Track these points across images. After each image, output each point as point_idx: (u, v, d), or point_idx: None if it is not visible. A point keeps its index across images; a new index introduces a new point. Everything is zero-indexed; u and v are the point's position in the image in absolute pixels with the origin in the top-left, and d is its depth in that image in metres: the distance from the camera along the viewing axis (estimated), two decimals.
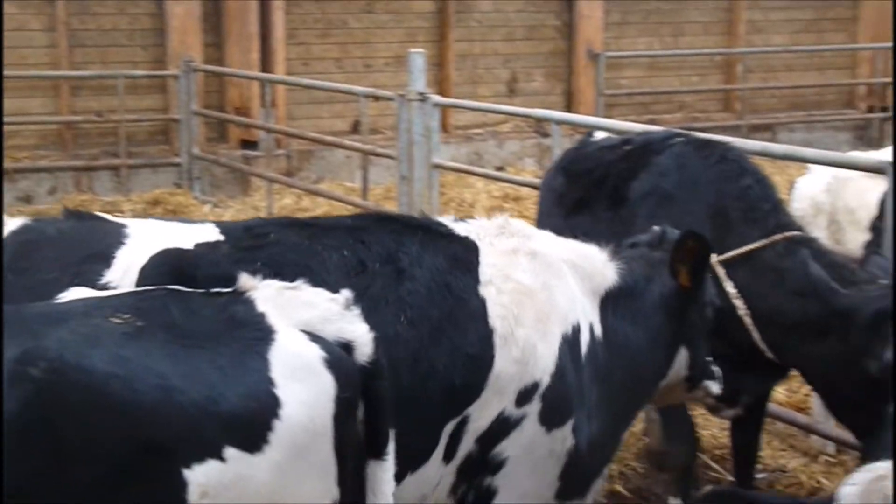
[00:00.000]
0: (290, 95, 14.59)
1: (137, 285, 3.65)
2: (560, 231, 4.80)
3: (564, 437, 4.16)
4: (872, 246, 6.49)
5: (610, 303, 4.40)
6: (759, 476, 6.32)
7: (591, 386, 4.24)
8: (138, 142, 14.12)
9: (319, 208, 12.88)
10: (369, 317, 3.50)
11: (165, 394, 2.87)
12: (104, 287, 3.69)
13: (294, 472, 2.99)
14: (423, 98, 9.70)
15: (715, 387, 4.74)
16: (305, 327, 3.17)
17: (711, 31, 17.18)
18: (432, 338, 3.93)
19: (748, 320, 5.25)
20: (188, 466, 2.86)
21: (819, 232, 6.89)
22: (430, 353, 3.91)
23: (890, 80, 17.61)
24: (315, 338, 3.15)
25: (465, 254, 4.16)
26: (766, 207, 5.45)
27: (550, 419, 4.11)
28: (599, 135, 6.81)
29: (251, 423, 2.95)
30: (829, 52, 17.75)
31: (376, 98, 11.22)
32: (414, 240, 4.11)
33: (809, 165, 7.68)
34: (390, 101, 10.48)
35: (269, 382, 3.01)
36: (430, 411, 3.92)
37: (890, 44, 17.49)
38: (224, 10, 14.29)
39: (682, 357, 4.59)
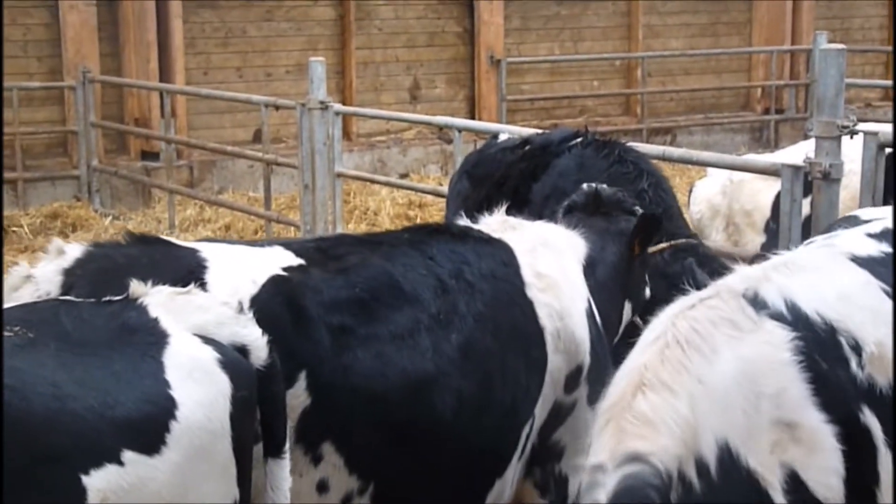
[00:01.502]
0: (190, 105, 14.44)
1: (254, 314, 3.61)
2: None
3: None
4: (768, 248, 6.63)
5: (588, 271, 4.68)
6: None
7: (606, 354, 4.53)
8: (35, 155, 13.87)
9: (222, 219, 12.77)
10: (465, 335, 3.94)
11: (59, 402, 2.83)
12: None
13: (194, 472, 2.97)
14: (324, 107, 9.69)
15: None
16: (199, 331, 3.15)
17: (610, 36, 17.37)
18: (507, 347, 4.16)
19: (639, 322, 5.35)
20: (86, 472, 2.82)
21: (717, 234, 7.03)
22: (509, 362, 4.14)
23: (784, 82, 18.00)
24: (209, 340, 3.13)
25: (508, 257, 4.38)
26: (656, 213, 5.56)
27: (596, 399, 4.26)
28: (503, 136, 6.87)
29: (148, 426, 2.94)
30: (725, 55, 18.06)
31: (277, 107, 11.16)
32: (468, 249, 4.30)
33: (708, 168, 7.82)
34: (292, 110, 10.44)
35: (165, 385, 2.99)
36: (515, 418, 4.14)
37: (783, 46, 17.89)
38: (121, 18, 14.09)
39: (627, 310, 4.96)
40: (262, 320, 3.55)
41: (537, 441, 4.28)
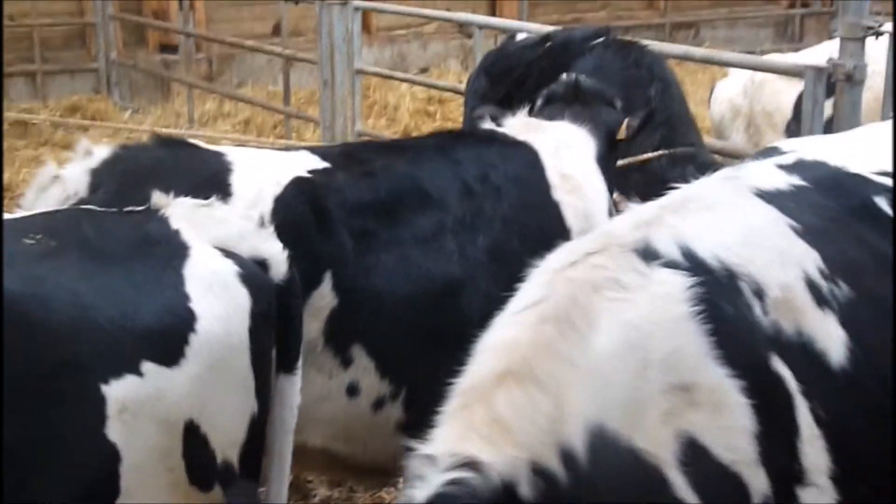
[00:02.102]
0: None
1: (275, 213, 3.69)
2: None
3: None
4: None
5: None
6: None
7: None
8: (54, 47, 13.80)
9: (241, 113, 12.73)
10: (492, 237, 3.93)
11: (80, 311, 2.86)
12: None
13: (212, 385, 3.01)
14: (343, 2, 9.57)
15: None
16: (220, 244, 3.17)
17: None
18: (535, 248, 4.10)
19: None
20: (106, 382, 2.86)
21: (738, 135, 6.99)
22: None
23: None
24: (229, 254, 3.15)
25: (533, 160, 4.38)
26: (659, 119, 5.58)
27: None
28: (521, 36, 6.83)
29: (168, 338, 2.96)
30: None
31: (297, 1, 11.04)
32: (492, 152, 4.31)
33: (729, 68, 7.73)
34: (311, 4, 10.33)
35: (185, 297, 3.01)
36: None
37: None
38: None
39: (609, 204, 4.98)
40: (285, 220, 3.59)
41: None
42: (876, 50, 6.04)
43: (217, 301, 3.03)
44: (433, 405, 4.02)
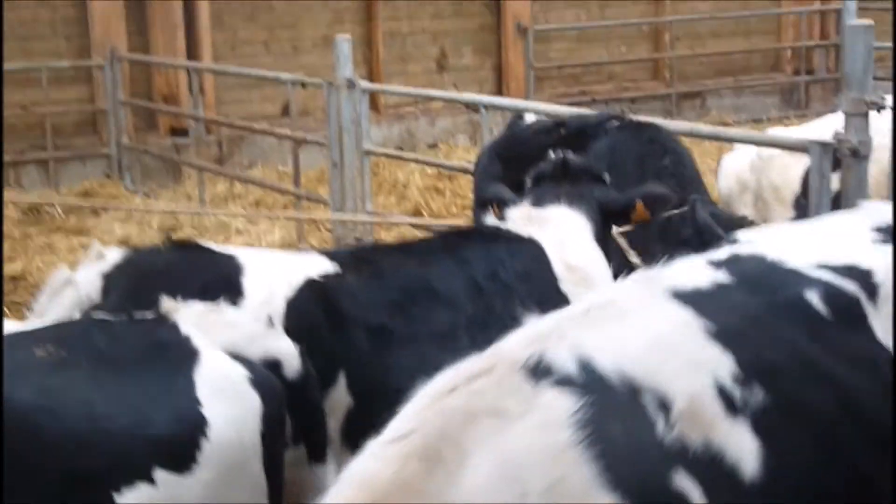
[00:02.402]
0: (218, 80, 14.46)
1: (287, 316, 3.74)
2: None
3: None
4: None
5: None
6: None
7: None
8: (66, 134, 13.94)
9: (252, 195, 12.82)
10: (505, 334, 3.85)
11: (92, 422, 2.88)
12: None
13: (225, 490, 3.02)
14: (350, 85, 9.68)
15: None
16: (230, 348, 3.19)
17: (638, 1, 17.24)
18: None
19: None
20: (119, 491, 2.87)
21: (746, 209, 7.00)
22: None
23: (814, 42, 17.83)
24: (239, 358, 3.18)
25: (538, 254, 4.44)
26: (671, 183, 5.66)
27: None
28: (529, 117, 6.91)
29: (180, 445, 2.98)
30: (755, 17, 17.90)
31: (304, 85, 11.17)
32: (500, 249, 4.38)
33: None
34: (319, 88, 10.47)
35: (196, 403, 3.03)
36: None
37: (812, 7, 17.71)
38: None
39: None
40: (298, 322, 3.61)
41: None
42: (881, 122, 6.07)
43: (228, 406, 3.06)
44: None
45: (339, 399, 3.74)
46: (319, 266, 4.03)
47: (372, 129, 11.78)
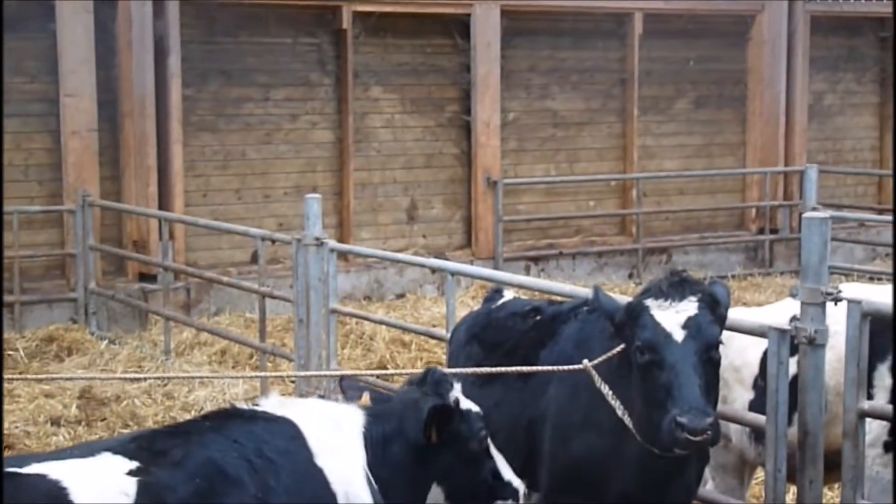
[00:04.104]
0: (188, 227, 14.57)
1: None
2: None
3: None
4: (757, 405, 6.67)
5: (376, 445, 4.94)
6: None
7: None
8: (33, 277, 13.95)
9: (218, 343, 12.82)
10: None
11: None
12: None
13: None
14: (319, 243, 9.76)
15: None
16: None
17: (606, 157, 17.57)
18: None
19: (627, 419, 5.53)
20: None
21: None
22: None
23: (777, 202, 18.16)
24: None
25: (294, 431, 4.74)
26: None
27: None
28: (507, 293, 7.03)
29: None
30: (720, 176, 18.25)
31: (273, 241, 11.27)
32: (260, 428, 4.67)
33: None
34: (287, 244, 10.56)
35: None
36: None
37: (776, 168, 18.08)
38: (122, 143, 14.26)
39: (437, 493, 5.04)
40: None
41: None
42: (837, 311, 6.17)
43: None
44: None
45: None
46: (121, 466, 4.19)
47: (340, 278, 11.86)
